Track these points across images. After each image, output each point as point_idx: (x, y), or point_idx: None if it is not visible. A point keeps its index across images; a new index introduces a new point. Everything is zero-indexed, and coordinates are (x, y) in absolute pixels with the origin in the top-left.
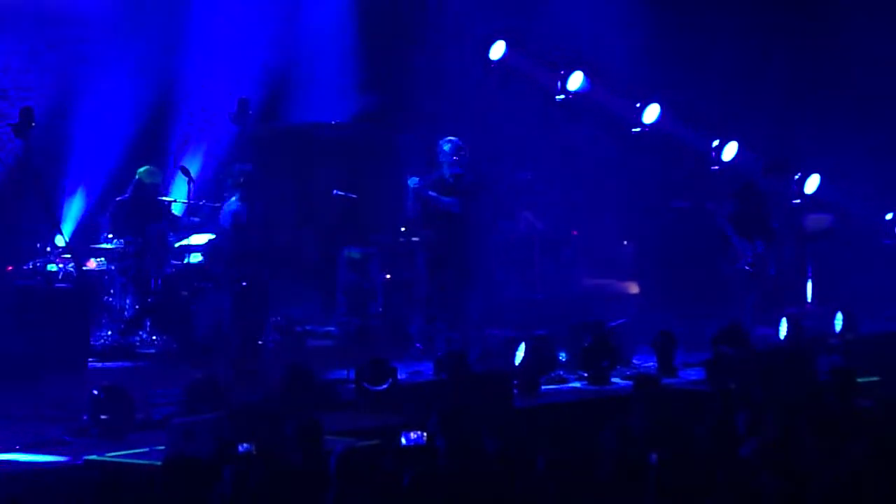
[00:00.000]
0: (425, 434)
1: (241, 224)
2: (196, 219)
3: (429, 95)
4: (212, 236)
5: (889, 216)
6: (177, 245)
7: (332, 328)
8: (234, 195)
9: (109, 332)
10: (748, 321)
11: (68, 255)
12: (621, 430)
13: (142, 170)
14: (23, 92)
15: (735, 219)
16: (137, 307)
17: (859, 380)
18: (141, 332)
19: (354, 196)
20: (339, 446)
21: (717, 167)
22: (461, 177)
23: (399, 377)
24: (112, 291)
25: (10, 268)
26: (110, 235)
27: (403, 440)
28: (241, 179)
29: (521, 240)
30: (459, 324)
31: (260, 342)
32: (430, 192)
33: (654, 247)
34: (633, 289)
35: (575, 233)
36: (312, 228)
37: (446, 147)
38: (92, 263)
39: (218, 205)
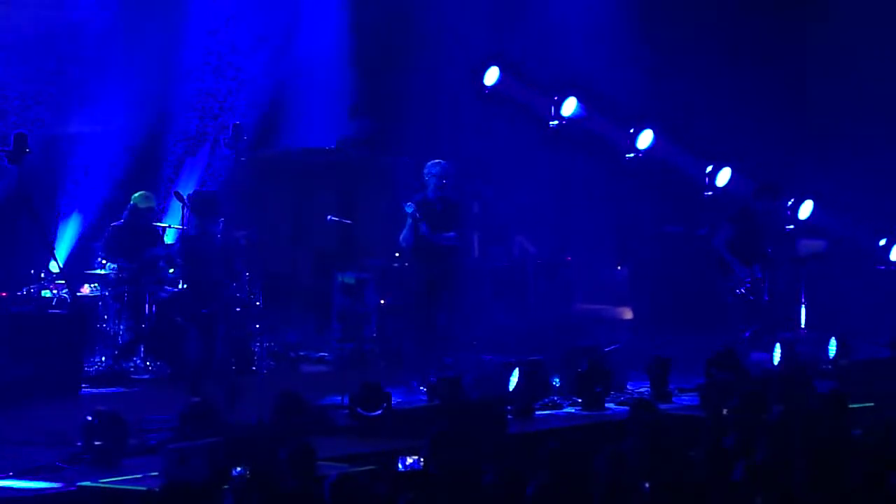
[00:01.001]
0: (422, 459)
1: (195, 255)
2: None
3: (422, 120)
4: None
5: (882, 242)
6: (171, 270)
7: (327, 353)
8: (193, 221)
9: (103, 358)
10: (747, 347)
11: (62, 281)
12: (615, 455)
13: (136, 195)
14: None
15: (733, 244)
16: (131, 333)
17: (854, 405)
18: (135, 358)
19: (349, 221)
20: (333, 472)
21: (710, 192)
22: (446, 200)
23: (393, 402)
24: (106, 317)
25: (4, 294)
26: (103, 260)
27: (400, 465)
28: (201, 207)
29: (515, 265)
30: (452, 349)
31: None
32: (423, 227)
33: (647, 272)
34: (627, 314)
35: (569, 258)
36: (307, 253)
37: (435, 170)
38: (86, 289)
39: None
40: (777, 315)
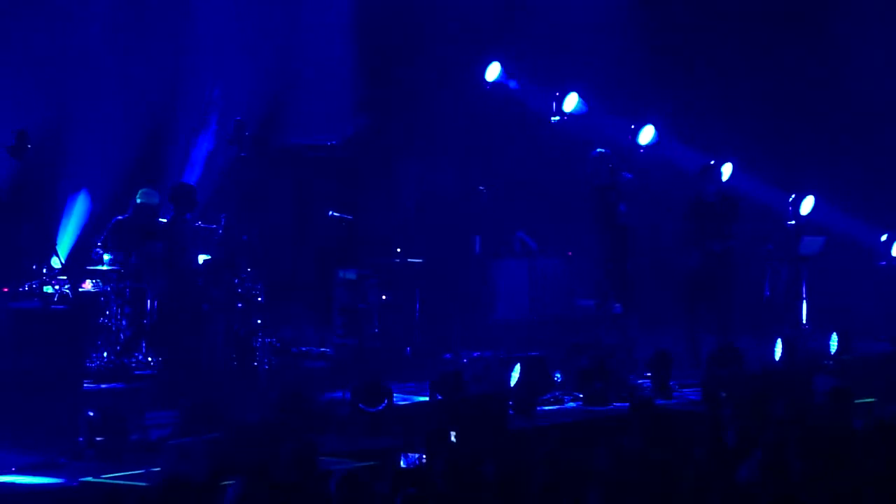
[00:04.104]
0: (423, 455)
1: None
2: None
3: (424, 117)
4: (207, 257)
5: (884, 238)
6: None
7: (328, 349)
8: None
9: (105, 354)
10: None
11: (64, 277)
12: (616, 451)
13: (141, 192)
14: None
15: (690, 235)
16: (133, 329)
17: (856, 401)
18: (137, 354)
19: (350, 217)
20: (335, 468)
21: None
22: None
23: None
24: (108, 313)
25: (6, 289)
26: (100, 251)
27: (402, 462)
28: (177, 198)
29: (516, 260)
30: (453, 345)
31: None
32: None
33: (649, 268)
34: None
35: (570, 253)
36: (308, 249)
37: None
38: (88, 285)
39: (214, 226)
40: (777, 311)
